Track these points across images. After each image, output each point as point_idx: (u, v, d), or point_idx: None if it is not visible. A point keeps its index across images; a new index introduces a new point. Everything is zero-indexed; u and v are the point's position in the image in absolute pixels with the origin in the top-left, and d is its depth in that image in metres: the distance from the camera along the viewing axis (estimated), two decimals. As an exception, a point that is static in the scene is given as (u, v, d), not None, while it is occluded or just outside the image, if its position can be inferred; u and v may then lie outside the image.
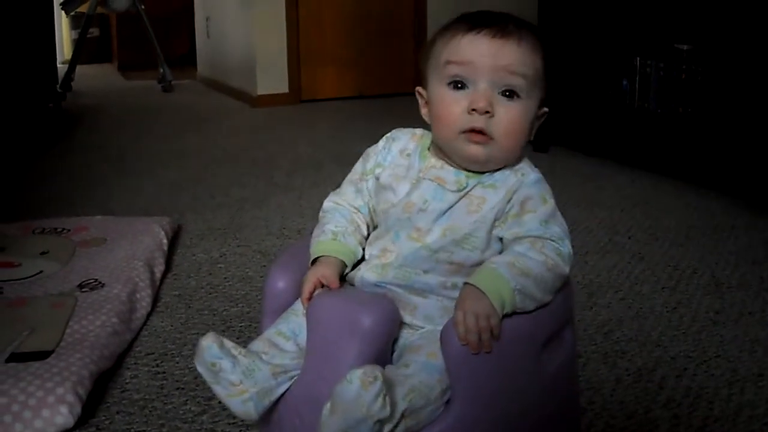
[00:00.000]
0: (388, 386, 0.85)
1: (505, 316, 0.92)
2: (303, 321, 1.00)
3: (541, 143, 3.28)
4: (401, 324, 0.99)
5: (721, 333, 1.56)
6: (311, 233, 1.10)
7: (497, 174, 1.01)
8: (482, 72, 0.97)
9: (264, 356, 0.98)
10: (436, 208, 0.99)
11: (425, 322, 0.99)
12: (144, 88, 5.90)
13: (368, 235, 1.07)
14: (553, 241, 0.98)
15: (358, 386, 0.83)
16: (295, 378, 0.98)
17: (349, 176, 1.10)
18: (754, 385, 1.36)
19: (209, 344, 0.94)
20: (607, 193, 2.64)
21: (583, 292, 1.76)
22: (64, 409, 1.22)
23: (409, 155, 1.05)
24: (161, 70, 5.64)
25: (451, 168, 1.01)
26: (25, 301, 1.64)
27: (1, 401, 1.22)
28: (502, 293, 0.92)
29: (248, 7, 4.84)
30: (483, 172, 1.00)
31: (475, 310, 0.90)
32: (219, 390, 0.96)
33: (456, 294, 0.97)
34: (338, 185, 1.11)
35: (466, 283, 0.94)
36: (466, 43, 0.98)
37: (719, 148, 2.53)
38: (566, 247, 0.99)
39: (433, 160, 1.03)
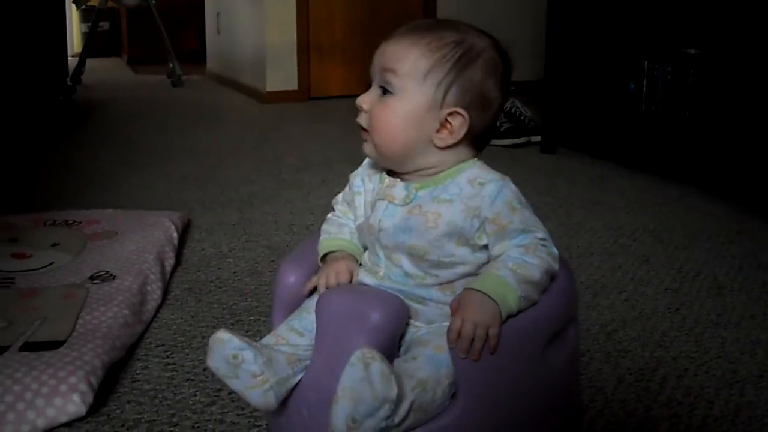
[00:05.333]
0: (394, 371, 0.87)
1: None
2: (315, 318, 1.01)
3: (549, 144, 3.30)
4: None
5: (722, 335, 1.58)
6: (320, 229, 1.14)
7: (451, 186, 1.01)
8: (372, 73, 1.03)
9: (277, 347, 0.99)
10: (389, 224, 1.02)
11: (428, 323, 1.01)
12: (153, 82, 5.93)
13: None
14: (542, 245, 0.99)
15: (362, 367, 0.84)
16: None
17: (343, 195, 1.14)
18: (753, 387, 1.38)
19: (229, 337, 0.95)
20: (612, 195, 2.65)
21: (588, 292, 1.79)
22: (76, 398, 1.24)
23: (372, 179, 1.09)
24: (171, 65, 5.67)
25: (401, 184, 1.03)
26: (37, 291, 1.67)
27: (14, 389, 1.24)
28: (509, 301, 0.94)
29: (259, 3, 4.87)
30: (434, 185, 1.02)
31: (475, 320, 0.91)
32: (237, 384, 0.96)
33: None
34: (347, 183, 1.14)
35: (468, 289, 0.95)
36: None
37: (725, 153, 2.54)
38: (554, 247, 1.00)
39: (387, 180, 1.05)
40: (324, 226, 1.13)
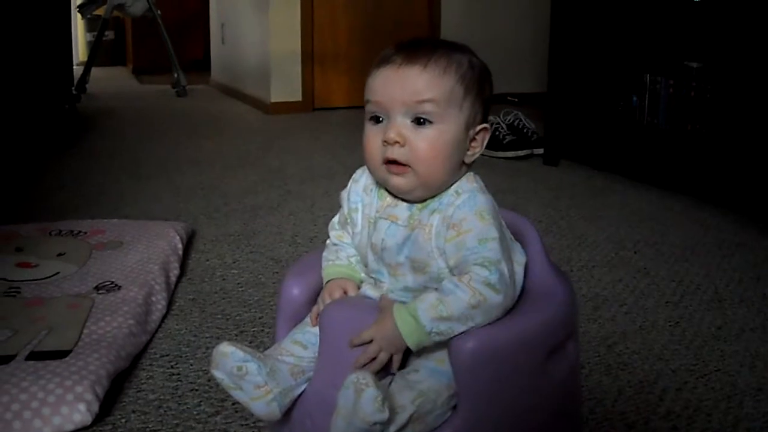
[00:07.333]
0: (387, 390, 0.88)
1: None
2: (318, 331, 1.03)
3: (552, 157, 3.32)
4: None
5: (722, 348, 1.59)
6: (324, 242, 1.15)
7: (445, 198, 1.01)
8: (392, 105, 0.99)
9: (281, 358, 1.01)
10: (392, 244, 1.02)
11: None
12: (158, 92, 5.95)
13: None
14: (484, 267, 0.94)
15: (353, 392, 0.86)
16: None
17: (338, 216, 1.13)
18: (752, 399, 1.39)
19: (233, 350, 0.96)
20: (614, 207, 2.67)
21: (589, 305, 1.80)
22: (82, 407, 1.25)
23: (370, 193, 1.08)
24: (175, 75, 5.69)
25: (404, 204, 1.03)
26: (43, 301, 1.68)
27: (21, 398, 1.26)
28: (420, 339, 0.94)
29: (263, 14, 4.89)
30: (431, 198, 1.02)
31: (382, 345, 0.95)
32: (241, 395, 0.97)
33: None
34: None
35: (394, 310, 0.95)
36: (375, 78, 1.01)
37: (727, 165, 2.55)
38: (496, 273, 0.94)
39: (388, 199, 1.05)
40: (323, 254, 1.13)
